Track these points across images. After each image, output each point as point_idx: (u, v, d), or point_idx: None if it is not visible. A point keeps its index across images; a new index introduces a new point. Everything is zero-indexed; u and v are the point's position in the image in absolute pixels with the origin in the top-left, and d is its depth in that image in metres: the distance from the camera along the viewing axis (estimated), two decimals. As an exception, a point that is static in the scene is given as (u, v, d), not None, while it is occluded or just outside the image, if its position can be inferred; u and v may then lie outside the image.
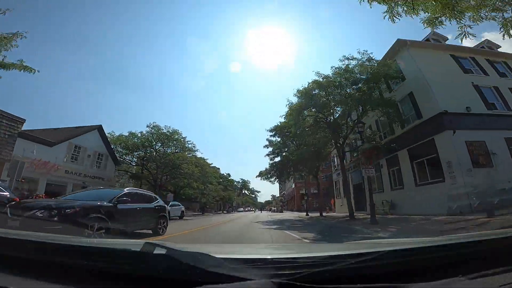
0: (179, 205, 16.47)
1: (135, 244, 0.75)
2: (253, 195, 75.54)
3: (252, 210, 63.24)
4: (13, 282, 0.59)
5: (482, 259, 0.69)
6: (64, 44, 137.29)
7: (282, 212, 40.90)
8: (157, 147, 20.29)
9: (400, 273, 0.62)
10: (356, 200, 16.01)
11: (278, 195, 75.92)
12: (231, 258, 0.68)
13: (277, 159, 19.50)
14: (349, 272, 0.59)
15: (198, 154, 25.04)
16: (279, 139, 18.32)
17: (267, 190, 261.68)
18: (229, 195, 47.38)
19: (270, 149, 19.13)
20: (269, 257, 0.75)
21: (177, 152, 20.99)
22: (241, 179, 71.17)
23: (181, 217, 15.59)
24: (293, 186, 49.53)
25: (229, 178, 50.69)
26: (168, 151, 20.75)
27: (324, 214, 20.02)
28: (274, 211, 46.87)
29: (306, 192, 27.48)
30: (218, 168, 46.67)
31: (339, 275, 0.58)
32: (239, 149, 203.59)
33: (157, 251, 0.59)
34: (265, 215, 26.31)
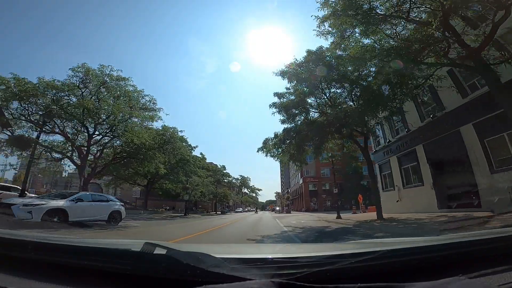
0: (108, 201, 8.77)
1: (135, 244, 0.75)
2: (254, 194, 65.57)
3: (252, 210, 53.98)
4: (13, 282, 0.59)
5: (482, 258, 0.69)
6: (64, 45, 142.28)
7: (290, 213, 31.65)
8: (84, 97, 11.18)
9: (400, 272, 0.62)
10: (441, 189, 9.05)
11: (281, 192, 64.28)
12: (231, 258, 0.68)
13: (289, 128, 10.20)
14: (349, 272, 0.58)
15: (166, 122, 20.21)
16: (293, 97, 10.00)
17: (268, 189, 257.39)
18: (224, 192, 38.81)
19: (280, 111, 9.80)
20: (269, 257, 0.74)
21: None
22: (240, 175, 64.20)
23: (110, 220, 8.10)
24: (301, 181, 41.58)
25: (224, 171, 39.79)
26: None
27: (351, 214, 14.30)
28: (279, 211, 38.03)
29: (336, 184, 16.86)
30: (215, 165, 38.38)
31: (339, 275, 0.57)
32: (240, 149, 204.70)
33: (157, 251, 0.59)
34: (269, 217, 19.35)
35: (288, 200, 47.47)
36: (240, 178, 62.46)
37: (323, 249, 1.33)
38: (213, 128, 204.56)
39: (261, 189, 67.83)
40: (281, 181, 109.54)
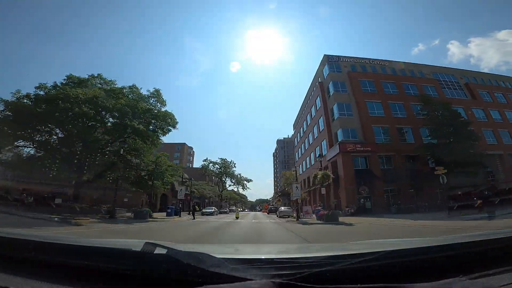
0: None
1: (135, 244, 0.97)
2: (241, 187, 59.28)
3: (232, 211, 45.02)
4: (13, 282, 0.80)
5: (483, 259, 0.93)
6: (53, 39, 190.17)
7: (337, 220, 15.24)
8: None
9: (400, 273, 0.84)
10: None
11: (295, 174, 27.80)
12: (232, 258, 0.92)
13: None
14: (349, 272, 0.79)
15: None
16: None
17: (259, 192, 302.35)
18: (159, 165, 22.45)
19: None
20: (269, 257, 1.00)
21: None
22: (221, 158, 54.15)
23: None
24: (334, 153, 27.82)
25: (172, 123, 21.79)
26: None
27: None
28: (295, 215, 20.83)
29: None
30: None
31: (339, 275, 0.78)
32: (237, 147, 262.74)
33: (158, 251, 0.80)
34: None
35: (316, 185, 27.20)
36: (220, 162, 53.10)
37: (324, 249, 1.71)
38: (207, 127, 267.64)
39: (251, 180, 58.94)
40: (275, 174, 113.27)
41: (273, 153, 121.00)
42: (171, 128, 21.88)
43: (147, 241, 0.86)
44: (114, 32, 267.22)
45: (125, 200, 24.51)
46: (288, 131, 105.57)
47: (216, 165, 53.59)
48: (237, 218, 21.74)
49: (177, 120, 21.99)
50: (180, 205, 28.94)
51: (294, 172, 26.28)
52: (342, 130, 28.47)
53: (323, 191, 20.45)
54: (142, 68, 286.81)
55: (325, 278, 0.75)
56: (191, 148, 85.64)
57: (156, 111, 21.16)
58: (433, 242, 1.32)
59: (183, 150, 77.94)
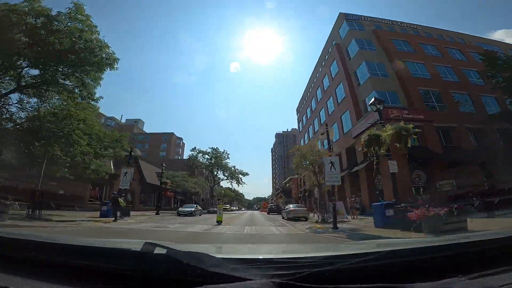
0: None
1: (135, 244, 1.07)
2: (235, 182, 56.14)
3: (225, 211, 26.38)
4: (14, 282, 0.89)
5: (481, 259, 1.04)
6: None
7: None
8: None
9: (400, 273, 0.94)
10: None
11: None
12: (232, 258, 1.01)
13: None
14: (349, 272, 0.88)
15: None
16: None
17: (255, 192, 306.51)
18: (67, 122, 13.76)
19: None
20: (269, 257, 1.13)
21: None
22: (211, 148, 50.57)
23: None
24: (373, 122, 14.66)
25: (74, 28, 14.24)
26: None
27: None
28: (321, 224, 15.44)
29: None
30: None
31: (339, 275, 0.86)
32: (236, 147, 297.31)
33: (158, 251, 0.88)
34: None
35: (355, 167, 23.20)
36: (210, 152, 49.49)
37: (324, 249, 1.85)
38: (207, 127, 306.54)
39: (247, 173, 56.16)
40: (273, 171, 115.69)
41: (271, 148, 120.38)
42: (105, 68, 15.06)
43: (146, 241, 0.94)
44: (114, 32, 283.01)
45: (61, 192, 19.31)
46: (287, 128, 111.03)
47: (206, 156, 49.54)
48: (218, 222, 14.64)
49: (118, 57, 15.33)
50: (122, 199, 18.31)
51: (325, 133, 14.96)
52: (377, 92, 22.11)
53: (392, 167, 11.65)
54: (142, 68, 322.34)
55: (325, 278, 0.82)
56: (181, 139, 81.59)
57: (66, 29, 13.61)
58: (432, 242, 1.45)
59: (171, 141, 74.76)
